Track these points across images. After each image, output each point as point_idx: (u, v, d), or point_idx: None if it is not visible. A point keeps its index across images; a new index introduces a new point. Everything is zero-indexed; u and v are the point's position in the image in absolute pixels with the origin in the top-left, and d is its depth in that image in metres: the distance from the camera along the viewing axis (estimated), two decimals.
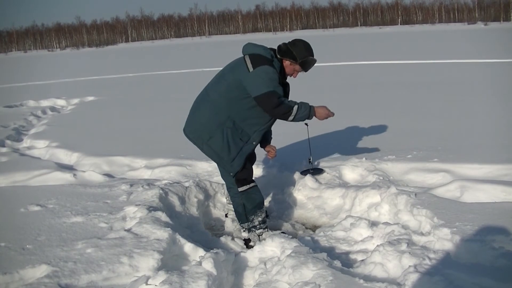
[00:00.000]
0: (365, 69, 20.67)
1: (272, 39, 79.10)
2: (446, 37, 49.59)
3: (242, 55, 4.78)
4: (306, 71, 4.91)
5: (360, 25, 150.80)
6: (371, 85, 15.30)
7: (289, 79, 4.98)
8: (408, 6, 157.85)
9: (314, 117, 4.80)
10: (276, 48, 4.86)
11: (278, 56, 4.78)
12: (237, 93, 4.64)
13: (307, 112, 4.68)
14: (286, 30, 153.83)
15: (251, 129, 4.77)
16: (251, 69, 4.56)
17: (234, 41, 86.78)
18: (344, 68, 21.41)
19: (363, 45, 44.84)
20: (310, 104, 4.76)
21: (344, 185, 6.08)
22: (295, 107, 4.62)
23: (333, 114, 4.88)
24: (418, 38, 50.80)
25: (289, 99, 4.74)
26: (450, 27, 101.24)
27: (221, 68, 4.91)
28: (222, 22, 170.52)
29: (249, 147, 4.81)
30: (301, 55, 4.76)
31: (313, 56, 4.85)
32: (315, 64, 4.93)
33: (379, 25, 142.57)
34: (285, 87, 4.91)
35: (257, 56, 4.63)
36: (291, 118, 4.65)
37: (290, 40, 4.88)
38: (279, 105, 4.55)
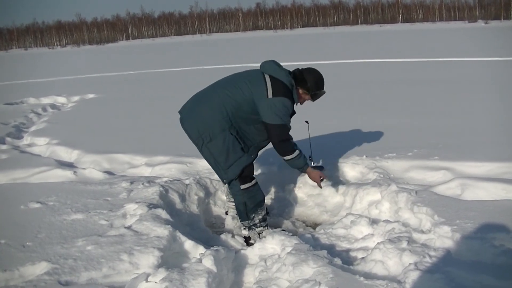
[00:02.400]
0: (365, 67, 20.67)
1: (272, 37, 79.27)
2: (446, 35, 49.56)
3: (261, 71, 4.83)
4: (313, 101, 5.07)
5: (361, 23, 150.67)
6: (372, 83, 15.29)
7: None
8: (408, 4, 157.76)
9: (304, 173, 5.12)
10: (291, 71, 4.93)
11: (293, 84, 4.85)
12: (248, 108, 4.70)
13: (301, 165, 4.98)
14: (287, 28, 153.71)
15: (250, 142, 4.83)
16: (270, 95, 4.65)
17: (234, 39, 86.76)
18: (344, 66, 21.39)
19: (363, 43, 44.80)
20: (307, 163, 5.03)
21: (345, 182, 6.09)
22: (297, 153, 4.87)
23: (320, 186, 5.20)
24: (419, 36, 50.78)
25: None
26: (450, 25, 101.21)
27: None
28: (223, 20, 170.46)
29: (247, 158, 4.82)
30: (315, 86, 4.90)
31: (323, 88, 4.99)
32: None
33: (380, 23, 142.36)
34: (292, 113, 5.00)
35: (279, 83, 4.71)
36: (287, 158, 4.88)
37: (305, 68, 4.98)
38: (286, 140, 4.78)
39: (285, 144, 4.78)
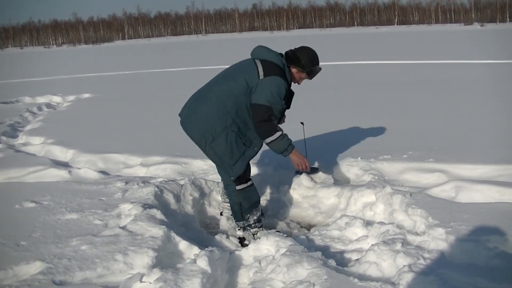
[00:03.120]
0: (361, 69, 20.69)
1: (268, 38, 79.22)
2: (442, 38, 49.65)
3: (251, 58, 4.80)
4: (311, 79, 4.99)
5: (357, 25, 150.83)
6: (367, 84, 15.31)
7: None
8: (405, 6, 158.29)
9: (287, 156, 4.84)
10: (283, 53, 4.88)
11: (285, 63, 4.80)
12: (246, 99, 4.64)
13: (285, 145, 4.72)
14: (283, 29, 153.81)
15: (253, 134, 4.75)
16: (261, 76, 4.59)
17: (230, 40, 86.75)
18: (340, 68, 21.41)
19: (359, 44, 44.85)
20: (293, 145, 4.81)
21: (340, 184, 6.09)
22: (278, 133, 4.66)
23: (307, 168, 4.97)
24: (415, 39, 50.85)
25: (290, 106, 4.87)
26: (446, 28, 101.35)
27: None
28: (219, 21, 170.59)
29: (251, 152, 4.79)
30: (308, 64, 4.81)
31: (319, 64, 4.91)
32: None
33: (376, 25, 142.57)
34: (290, 95, 4.92)
35: (269, 64, 4.66)
36: (268, 140, 4.67)
37: (297, 47, 4.91)
38: (268, 121, 4.59)
39: (265, 124, 4.59)
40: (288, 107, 4.98)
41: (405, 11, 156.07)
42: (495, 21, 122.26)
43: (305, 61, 4.79)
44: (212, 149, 4.73)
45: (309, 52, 4.85)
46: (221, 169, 4.96)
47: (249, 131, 4.74)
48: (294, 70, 4.83)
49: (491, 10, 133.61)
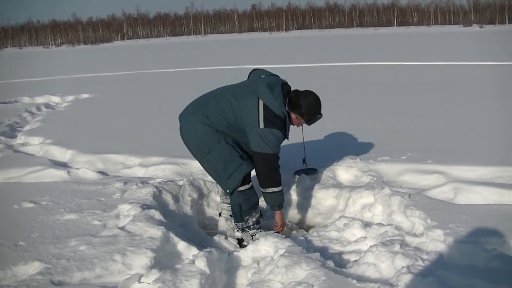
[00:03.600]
0: (360, 70, 20.67)
1: (268, 39, 79.32)
2: (441, 39, 49.67)
3: (256, 94, 4.67)
4: (309, 125, 4.97)
5: (356, 26, 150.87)
6: (366, 86, 15.31)
7: None
8: (404, 8, 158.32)
9: (273, 210, 4.98)
10: (290, 88, 4.87)
11: (287, 108, 4.74)
12: (239, 130, 4.70)
13: (280, 202, 4.87)
14: (282, 30, 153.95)
15: (250, 150, 4.77)
16: (261, 125, 4.57)
17: (230, 41, 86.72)
18: (339, 69, 21.41)
19: (358, 46, 44.85)
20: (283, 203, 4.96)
21: (338, 185, 6.08)
22: (281, 187, 4.79)
23: (280, 231, 5.02)
24: (414, 40, 50.89)
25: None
26: (445, 29, 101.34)
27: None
28: (218, 21, 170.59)
29: (247, 166, 4.77)
30: (309, 112, 4.76)
31: (320, 113, 4.86)
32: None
33: (375, 26, 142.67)
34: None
35: (271, 114, 4.60)
36: (270, 190, 4.76)
37: (303, 91, 4.84)
38: (276, 170, 4.71)
39: (273, 174, 4.70)
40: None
41: (404, 12, 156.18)
42: (494, 22, 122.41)
43: (305, 109, 4.72)
44: (207, 162, 4.79)
45: (311, 100, 4.76)
46: (217, 183, 4.98)
47: (247, 147, 4.80)
48: (293, 116, 4.79)
49: (490, 12, 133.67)
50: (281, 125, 4.65)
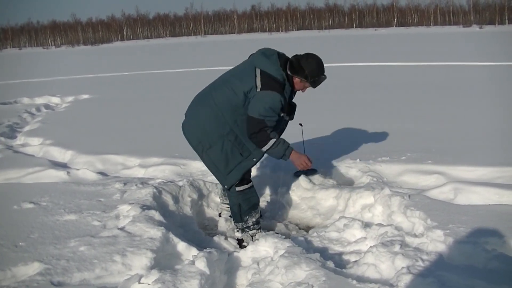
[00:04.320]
0: (360, 71, 20.69)
1: (267, 40, 79.21)
2: (441, 40, 49.70)
3: (253, 65, 4.66)
4: (314, 87, 4.84)
5: (356, 27, 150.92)
6: (366, 86, 15.32)
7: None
8: (403, 8, 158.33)
9: (288, 159, 4.79)
10: (288, 57, 4.79)
11: (289, 72, 4.68)
12: (244, 110, 4.62)
13: (282, 151, 4.67)
14: (282, 31, 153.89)
15: (252, 145, 4.72)
16: (258, 88, 4.52)
17: (229, 41, 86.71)
18: (339, 69, 21.40)
19: (358, 46, 44.86)
20: (292, 147, 4.77)
21: (338, 186, 6.09)
22: (273, 141, 4.60)
23: (310, 165, 4.89)
24: (413, 40, 50.90)
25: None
26: (445, 30, 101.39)
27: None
28: (218, 22, 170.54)
29: (248, 163, 4.77)
30: (313, 73, 4.67)
31: (324, 74, 4.77)
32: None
33: (375, 26, 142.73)
34: (291, 106, 4.91)
35: (268, 77, 4.55)
36: (265, 148, 4.63)
37: (303, 54, 4.76)
38: (257, 132, 4.54)
39: (257, 135, 4.56)
40: (291, 118, 4.96)
41: (404, 13, 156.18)
42: (494, 23, 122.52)
43: (309, 71, 4.64)
44: (208, 156, 4.77)
45: (313, 61, 4.70)
46: (216, 177, 4.96)
47: (248, 141, 4.71)
48: (297, 79, 4.71)
49: (489, 12, 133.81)
50: (279, 88, 4.56)
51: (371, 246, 4.15)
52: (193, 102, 4.93)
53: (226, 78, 4.81)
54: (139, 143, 8.57)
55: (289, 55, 4.85)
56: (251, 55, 4.92)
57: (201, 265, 3.79)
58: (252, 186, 4.93)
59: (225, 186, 4.87)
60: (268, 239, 4.43)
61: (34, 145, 9.12)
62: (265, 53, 4.72)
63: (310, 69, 4.65)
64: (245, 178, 4.86)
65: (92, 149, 8.19)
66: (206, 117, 4.69)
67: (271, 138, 4.59)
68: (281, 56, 4.75)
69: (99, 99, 15.60)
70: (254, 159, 4.79)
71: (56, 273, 3.72)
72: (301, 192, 6.00)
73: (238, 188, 4.83)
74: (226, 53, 43.46)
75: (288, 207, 5.87)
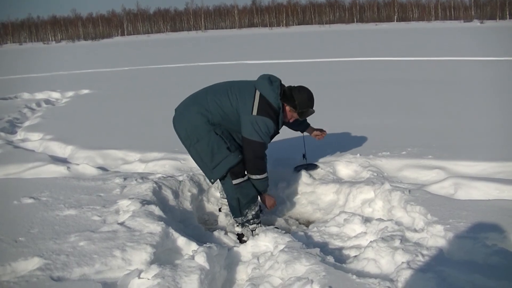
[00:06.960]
0: (360, 66, 20.64)
1: (268, 34, 79.21)
2: (442, 35, 49.62)
3: (254, 87, 4.84)
4: (301, 119, 5.10)
5: (356, 22, 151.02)
6: (367, 81, 15.28)
7: None
8: (404, 3, 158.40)
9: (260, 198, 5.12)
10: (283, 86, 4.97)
11: (280, 100, 4.85)
12: (234, 120, 4.80)
13: (265, 187, 5.00)
14: (282, 26, 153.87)
15: (240, 142, 4.88)
16: (254, 112, 4.70)
17: (230, 36, 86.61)
18: (339, 64, 21.39)
19: (359, 41, 44.79)
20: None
21: (338, 181, 6.08)
22: (265, 175, 4.92)
23: (272, 208, 5.22)
24: (414, 35, 50.84)
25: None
26: (446, 25, 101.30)
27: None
28: (218, 17, 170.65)
29: (234, 158, 4.80)
30: (302, 105, 4.90)
31: (312, 107, 5.00)
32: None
33: (375, 21, 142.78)
34: (275, 133, 5.05)
35: (266, 103, 4.75)
36: (255, 177, 4.88)
37: (296, 86, 4.98)
38: (261, 159, 4.85)
39: (258, 162, 4.83)
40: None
41: (405, 8, 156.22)
42: (495, 18, 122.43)
43: (298, 102, 4.86)
44: (195, 150, 4.86)
45: (304, 94, 4.92)
46: (202, 171, 5.04)
47: (237, 137, 4.90)
48: (287, 108, 4.93)
49: (491, 7, 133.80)
50: (273, 116, 4.77)
51: (371, 241, 4.14)
52: (186, 100, 5.04)
53: (225, 87, 4.94)
54: (139, 138, 8.57)
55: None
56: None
57: (201, 260, 3.79)
58: (248, 179, 4.93)
59: (211, 180, 4.94)
60: (268, 234, 4.43)
61: (34, 140, 9.11)
62: (270, 78, 4.90)
63: (301, 100, 4.88)
64: (240, 171, 4.87)
65: (92, 144, 8.18)
66: (195, 115, 4.79)
67: (265, 172, 4.92)
68: (282, 86, 4.95)
69: (99, 94, 15.59)
70: (239, 156, 4.83)
71: (56, 268, 3.72)
72: (302, 187, 6.00)
73: (234, 181, 4.85)
74: (226, 48, 43.42)
75: (288, 202, 5.87)
